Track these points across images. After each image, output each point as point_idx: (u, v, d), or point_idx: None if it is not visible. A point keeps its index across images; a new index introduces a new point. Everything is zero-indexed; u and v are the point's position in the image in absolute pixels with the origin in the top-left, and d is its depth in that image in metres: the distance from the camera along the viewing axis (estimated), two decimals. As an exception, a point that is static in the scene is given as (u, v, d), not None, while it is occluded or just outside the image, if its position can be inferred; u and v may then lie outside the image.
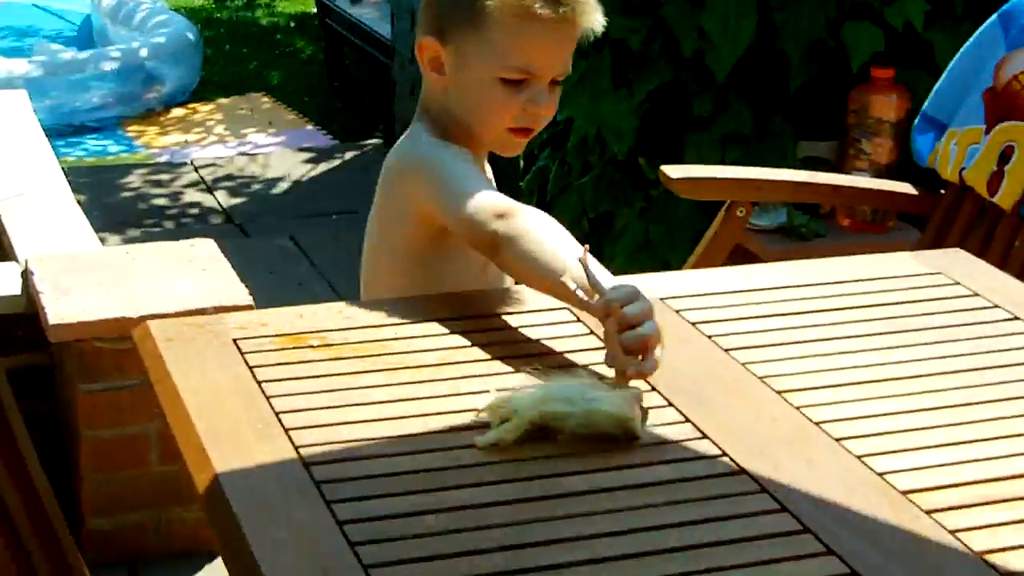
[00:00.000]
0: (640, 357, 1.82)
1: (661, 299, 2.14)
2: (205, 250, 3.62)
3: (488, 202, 2.10)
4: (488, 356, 1.98)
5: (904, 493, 1.67)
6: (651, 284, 2.10)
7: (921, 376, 1.98)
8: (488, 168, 2.37)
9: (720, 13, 4.02)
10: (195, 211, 6.55)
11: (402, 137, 2.37)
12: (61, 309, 3.22)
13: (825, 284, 2.27)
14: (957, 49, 3.52)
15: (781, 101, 4.12)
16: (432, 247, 2.28)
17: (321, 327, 2.08)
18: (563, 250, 1.98)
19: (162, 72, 8.42)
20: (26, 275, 3.41)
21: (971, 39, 3.43)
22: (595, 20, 2.21)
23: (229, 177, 7.00)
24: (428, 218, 2.24)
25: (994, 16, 3.39)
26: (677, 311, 2.14)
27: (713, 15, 4.00)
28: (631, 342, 1.81)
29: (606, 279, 1.88)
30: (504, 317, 2.10)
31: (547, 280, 1.99)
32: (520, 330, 2.06)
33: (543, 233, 2.03)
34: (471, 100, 2.24)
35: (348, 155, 7.37)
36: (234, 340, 2.03)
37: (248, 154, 7.42)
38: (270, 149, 7.54)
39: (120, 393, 3.31)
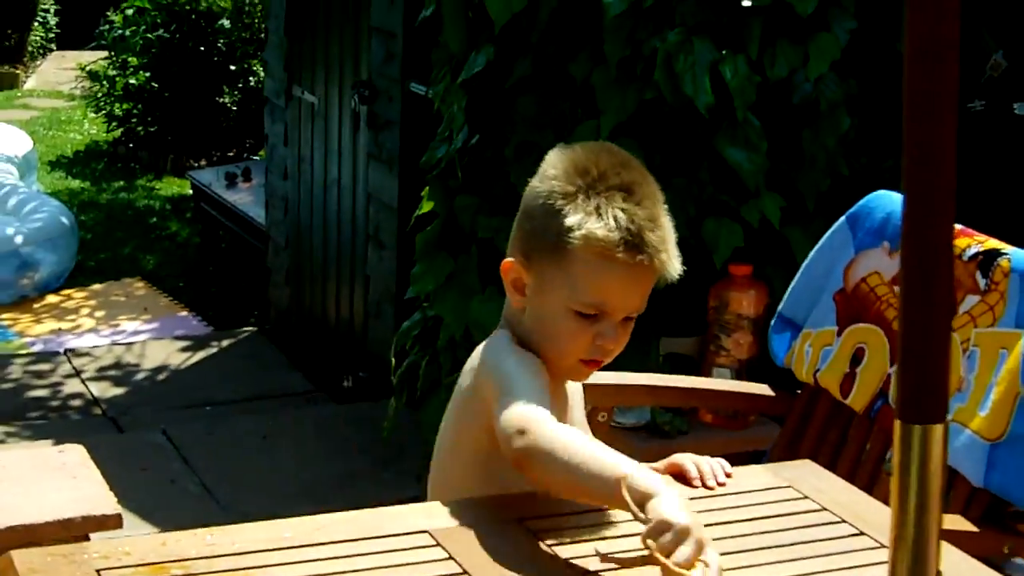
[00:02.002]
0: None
1: (519, 520, 2.18)
2: (74, 456, 3.62)
3: (516, 418, 2.16)
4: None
5: None
6: (509, 505, 2.15)
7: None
8: (570, 390, 2.45)
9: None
10: (69, 404, 6.52)
11: (486, 340, 2.41)
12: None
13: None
14: (811, 245, 3.63)
15: (645, 297, 4.21)
16: (496, 451, 2.28)
17: (184, 555, 2.09)
18: (600, 458, 2.10)
19: (37, 258, 8.41)
20: None
21: (821, 241, 3.51)
22: (672, 269, 2.29)
23: (103, 367, 6.99)
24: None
25: (842, 218, 3.47)
26: (535, 533, 2.18)
27: (576, 216, 4.09)
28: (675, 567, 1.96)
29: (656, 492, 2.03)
30: (368, 541, 2.13)
31: (596, 492, 2.10)
32: (381, 555, 2.10)
33: (572, 443, 2.12)
34: (545, 326, 2.31)
35: (224, 343, 7.39)
36: (97, 571, 2.05)
37: (122, 343, 7.41)
38: (144, 336, 7.54)
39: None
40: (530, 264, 2.31)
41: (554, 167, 2.30)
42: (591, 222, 2.22)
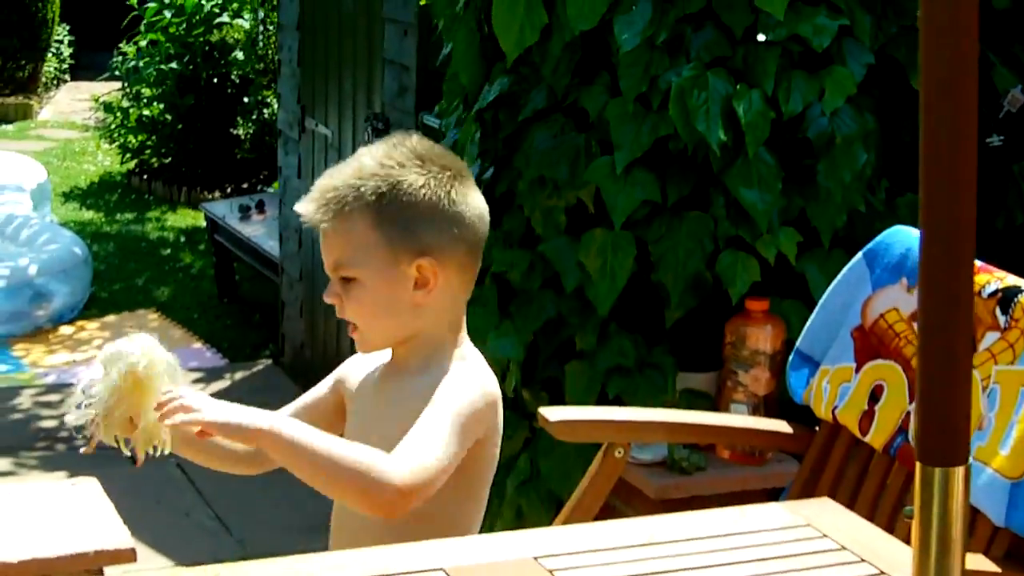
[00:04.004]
0: None
1: (535, 558, 2.17)
2: (87, 489, 3.59)
3: None
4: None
5: None
6: (524, 542, 2.14)
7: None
8: (403, 392, 2.49)
9: (599, 247, 4.09)
10: (83, 435, 6.50)
11: None
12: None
13: (697, 539, 2.31)
14: (827, 280, 3.60)
15: (661, 332, 4.19)
16: None
17: (197, 593, 2.09)
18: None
19: (50, 289, 8.40)
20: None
21: (839, 277, 3.49)
22: (306, 210, 2.52)
23: (116, 399, 6.96)
24: None
25: (859, 254, 3.45)
26: (551, 571, 2.17)
27: (591, 250, 4.08)
28: None
29: None
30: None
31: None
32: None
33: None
34: None
35: (237, 375, 7.38)
36: (109, 609, 2.04)
37: (136, 375, 7.39)
38: (158, 368, 7.52)
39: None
40: None
41: None
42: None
